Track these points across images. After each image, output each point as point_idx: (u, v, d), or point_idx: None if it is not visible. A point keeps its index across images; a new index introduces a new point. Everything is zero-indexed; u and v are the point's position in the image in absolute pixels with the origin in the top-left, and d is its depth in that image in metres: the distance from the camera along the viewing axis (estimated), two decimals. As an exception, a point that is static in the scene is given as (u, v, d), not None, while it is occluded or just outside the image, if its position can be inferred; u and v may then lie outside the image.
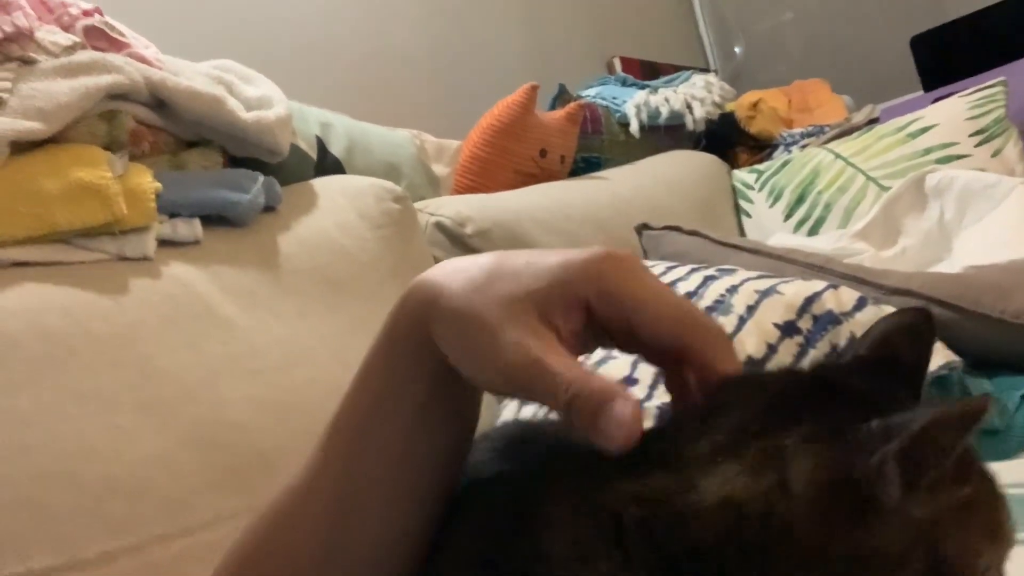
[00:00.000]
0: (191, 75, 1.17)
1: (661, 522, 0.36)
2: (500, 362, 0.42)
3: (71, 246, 0.94)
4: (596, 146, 1.85)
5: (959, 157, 1.56)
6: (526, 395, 0.42)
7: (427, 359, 0.46)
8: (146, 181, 0.99)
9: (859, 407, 0.36)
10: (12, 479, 0.76)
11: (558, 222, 1.49)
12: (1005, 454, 1.00)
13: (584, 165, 1.82)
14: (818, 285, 1.08)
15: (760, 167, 1.87)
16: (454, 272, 0.46)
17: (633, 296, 0.42)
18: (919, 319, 0.45)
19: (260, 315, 1.01)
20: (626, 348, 0.47)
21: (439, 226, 1.34)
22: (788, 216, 1.72)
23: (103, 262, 0.95)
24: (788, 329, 1.03)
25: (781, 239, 1.56)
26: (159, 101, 1.07)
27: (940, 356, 1.02)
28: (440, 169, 1.57)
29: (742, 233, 1.79)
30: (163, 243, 1.00)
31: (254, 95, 1.19)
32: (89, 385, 0.85)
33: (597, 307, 0.42)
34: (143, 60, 1.09)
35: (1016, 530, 0.38)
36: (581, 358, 0.47)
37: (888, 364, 0.42)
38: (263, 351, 0.98)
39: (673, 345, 0.41)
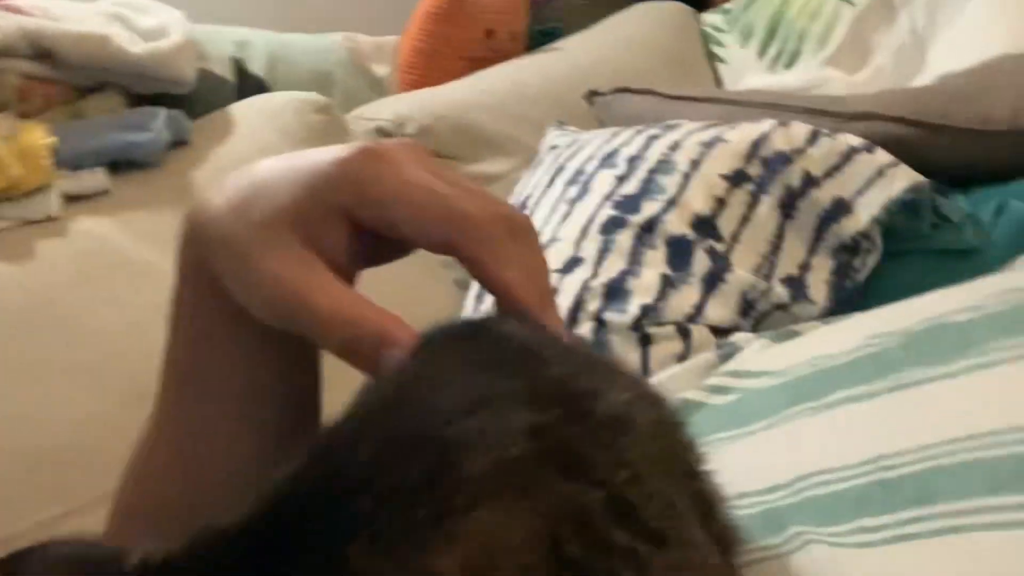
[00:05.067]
0: (80, 17, 1.11)
1: None
2: (261, 297, 0.37)
3: (-29, 218, 0.91)
4: (553, 15, 1.75)
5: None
6: (298, 332, 0.38)
7: (216, 288, 0.41)
8: (38, 138, 0.95)
9: None
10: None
11: (510, 105, 1.42)
12: (985, 272, 0.93)
13: (543, 39, 1.72)
14: (766, 125, 1.00)
15: (728, 6, 1.75)
16: (222, 191, 0.41)
17: (392, 194, 0.36)
18: None
19: (181, 256, 0.98)
20: (400, 254, 0.42)
21: (379, 131, 1.27)
22: (762, 54, 1.61)
23: (7, 230, 0.92)
24: (737, 178, 0.96)
25: (750, 82, 1.46)
26: (43, 51, 1.02)
27: (904, 179, 0.94)
28: (382, 70, 1.49)
29: (719, 83, 1.69)
30: (72, 199, 0.97)
31: (150, 26, 1.13)
32: (9, 356, 0.83)
33: (357, 213, 0.37)
34: (17, 11, 1.03)
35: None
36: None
37: None
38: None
39: (442, 244, 0.36)
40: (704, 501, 0.36)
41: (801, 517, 0.46)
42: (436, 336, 0.37)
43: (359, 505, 0.28)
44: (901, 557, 0.39)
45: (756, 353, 0.72)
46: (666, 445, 0.35)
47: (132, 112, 1.05)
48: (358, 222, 0.37)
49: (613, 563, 0.28)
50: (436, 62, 1.52)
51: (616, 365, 0.40)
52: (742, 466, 0.53)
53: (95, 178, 0.98)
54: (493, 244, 0.36)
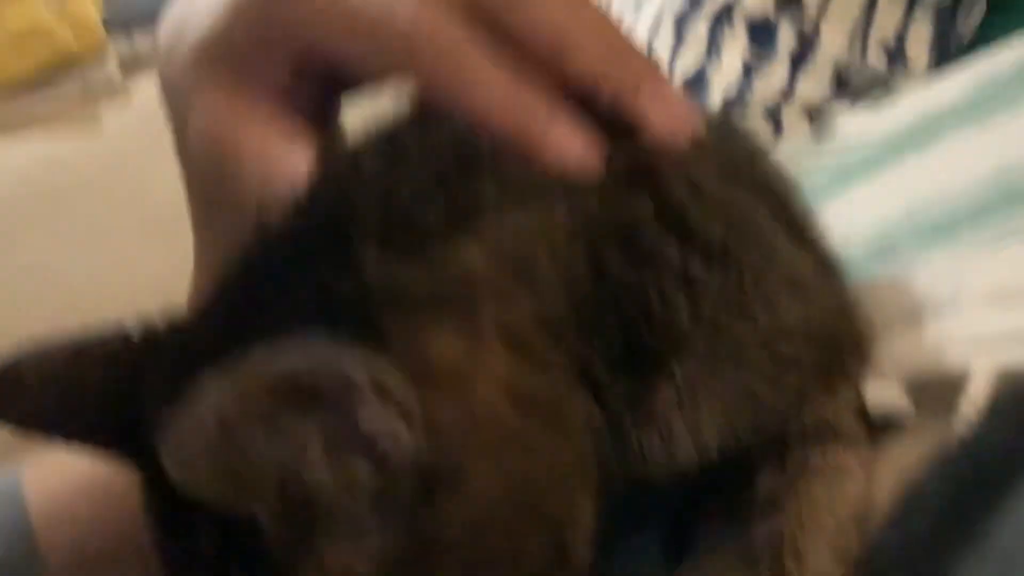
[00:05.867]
0: None
1: None
2: (190, 152, 0.31)
3: (35, 94, 0.91)
4: None
5: None
6: (223, 197, 0.31)
7: None
8: (86, 4, 0.93)
9: None
10: (28, 332, 0.76)
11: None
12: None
13: None
14: None
15: None
16: (165, 16, 0.33)
17: (315, 14, 0.28)
18: None
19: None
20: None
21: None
22: None
23: (72, 103, 0.92)
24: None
25: None
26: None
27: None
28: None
29: None
30: (130, 64, 0.96)
31: None
32: (87, 225, 0.84)
33: (292, 45, 0.28)
34: None
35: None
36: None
37: None
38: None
39: (383, 68, 0.27)
40: (792, 222, 0.32)
41: (915, 239, 0.42)
42: None
43: (365, 217, 0.24)
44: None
45: (853, 122, 0.67)
46: (734, 157, 0.31)
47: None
48: (302, 54, 0.29)
49: (661, 279, 0.25)
50: None
51: None
52: (845, 216, 0.49)
53: (151, 39, 0.96)
54: (448, 56, 0.25)
